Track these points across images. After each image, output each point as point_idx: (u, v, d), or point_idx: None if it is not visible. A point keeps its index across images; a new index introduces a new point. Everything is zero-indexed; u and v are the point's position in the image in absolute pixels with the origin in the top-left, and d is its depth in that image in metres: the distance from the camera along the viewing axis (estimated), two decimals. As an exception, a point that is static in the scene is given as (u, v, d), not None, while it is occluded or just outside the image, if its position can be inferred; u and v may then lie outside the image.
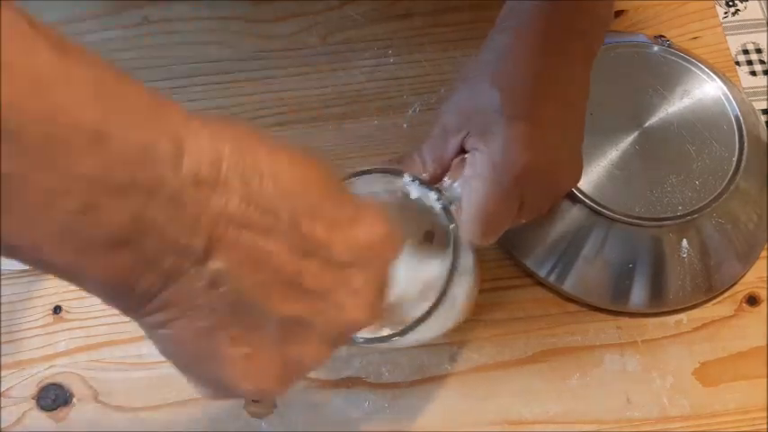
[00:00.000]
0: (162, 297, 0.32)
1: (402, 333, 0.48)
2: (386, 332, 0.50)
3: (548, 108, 0.52)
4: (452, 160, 0.53)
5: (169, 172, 0.30)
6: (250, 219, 0.32)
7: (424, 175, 0.53)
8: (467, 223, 0.51)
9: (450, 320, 0.52)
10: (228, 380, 0.35)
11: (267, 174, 0.33)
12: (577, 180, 0.55)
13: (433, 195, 0.51)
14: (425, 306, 0.49)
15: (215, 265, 0.32)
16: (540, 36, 0.52)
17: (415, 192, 0.52)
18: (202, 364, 0.35)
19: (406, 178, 0.51)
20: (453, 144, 0.52)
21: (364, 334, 0.49)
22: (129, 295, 0.32)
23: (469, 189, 0.51)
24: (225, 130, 0.32)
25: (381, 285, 0.38)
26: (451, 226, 0.50)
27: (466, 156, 0.52)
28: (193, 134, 0.31)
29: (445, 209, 0.50)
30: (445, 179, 0.52)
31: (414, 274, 0.52)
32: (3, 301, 0.62)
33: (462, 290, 0.51)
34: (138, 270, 0.31)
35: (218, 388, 0.37)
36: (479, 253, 0.54)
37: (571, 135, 0.53)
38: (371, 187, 0.53)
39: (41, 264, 0.30)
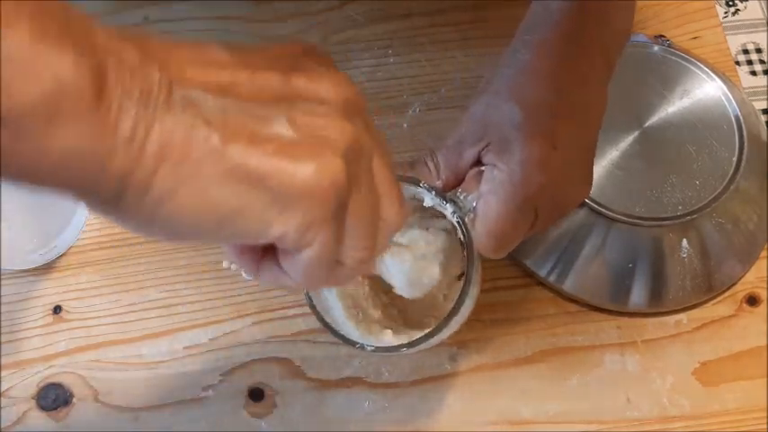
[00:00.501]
0: (151, 145, 0.30)
1: (412, 345, 0.49)
2: (389, 335, 0.51)
3: (568, 127, 0.52)
4: (467, 171, 0.53)
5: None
6: (181, 50, 0.32)
7: (438, 183, 0.53)
8: (480, 237, 0.51)
9: (455, 328, 0.52)
10: (277, 183, 0.32)
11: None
12: (587, 195, 0.55)
13: (449, 208, 0.51)
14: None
15: (178, 92, 0.30)
16: (563, 51, 0.52)
17: (429, 201, 0.52)
18: (241, 193, 0.31)
19: (422, 187, 0.51)
20: (469, 155, 0.52)
21: (374, 342, 0.50)
22: (115, 144, 0.29)
23: (485, 205, 0.51)
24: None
25: (331, 63, 0.37)
26: (466, 240, 0.50)
27: (482, 168, 0.52)
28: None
29: (461, 223, 0.51)
30: (459, 191, 0.52)
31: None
32: (3, 301, 0.62)
33: (471, 297, 0.52)
34: (113, 114, 0.29)
35: (277, 207, 0.32)
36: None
37: (587, 154, 0.53)
38: None
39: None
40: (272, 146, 0.32)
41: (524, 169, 0.50)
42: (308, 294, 0.50)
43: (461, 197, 0.52)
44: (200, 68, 0.32)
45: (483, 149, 0.52)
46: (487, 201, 0.51)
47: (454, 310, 0.49)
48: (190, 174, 0.31)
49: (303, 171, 0.32)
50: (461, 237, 0.51)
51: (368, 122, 0.36)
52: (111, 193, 0.31)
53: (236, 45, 0.34)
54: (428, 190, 0.51)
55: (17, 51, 0.27)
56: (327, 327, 0.50)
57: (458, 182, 0.53)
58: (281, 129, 0.32)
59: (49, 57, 0.27)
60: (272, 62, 0.34)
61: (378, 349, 0.49)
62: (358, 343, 0.50)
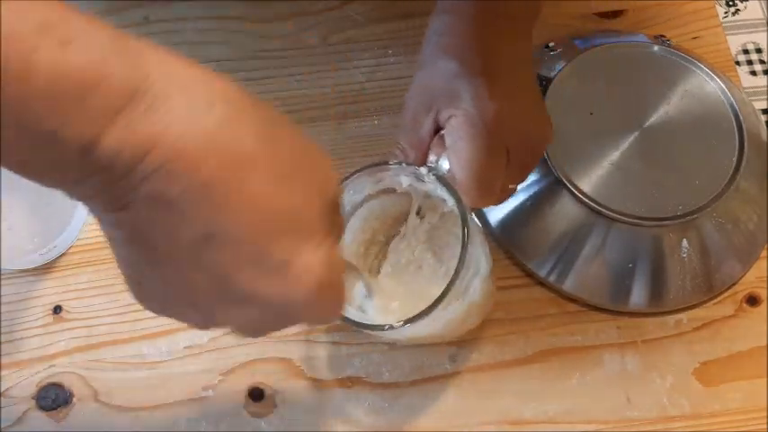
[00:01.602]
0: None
1: (416, 318, 0.49)
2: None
3: (505, 69, 0.53)
4: (431, 141, 0.54)
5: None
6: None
7: (409, 160, 0.54)
8: (463, 187, 0.52)
9: (459, 313, 0.52)
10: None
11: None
12: (550, 135, 0.55)
13: (423, 170, 0.52)
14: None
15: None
16: (477, 9, 0.54)
17: (406, 179, 0.52)
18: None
19: (392, 165, 0.52)
20: (427, 125, 0.54)
21: (382, 320, 0.51)
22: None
23: (455, 153, 0.52)
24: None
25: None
26: (454, 198, 0.51)
27: (442, 132, 0.53)
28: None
29: (440, 179, 0.51)
30: (430, 157, 0.53)
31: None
32: (3, 301, 0.62)
33: (477, 290, 0.52)
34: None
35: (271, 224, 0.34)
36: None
37: (531, 91, 0.55)
38: (362, 191, 0.54)
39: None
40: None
41: (477, 105, 0.51)
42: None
43: (433, 163, 0.53)
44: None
45: (437, 114, 0.53)
46: (456, 149, 0.52)
47: (456, 275, 0.49)
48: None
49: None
50: (448, 196, 0.51)
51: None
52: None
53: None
54: (400, 165, 0.52)
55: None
56: (348, 321, 0.50)
57: (425, 155, 0.54)
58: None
59: None
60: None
61: (406, 321, 0.49)
62: (386, 325, 0.50)
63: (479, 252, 0.52)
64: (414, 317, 0.49)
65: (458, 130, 0.52)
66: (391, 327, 0.49)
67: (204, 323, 0.38)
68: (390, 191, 0.55)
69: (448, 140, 0.52)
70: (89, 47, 0.30)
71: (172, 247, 0.33)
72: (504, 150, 0.52)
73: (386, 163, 0.53)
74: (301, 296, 0.35)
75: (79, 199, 0.33)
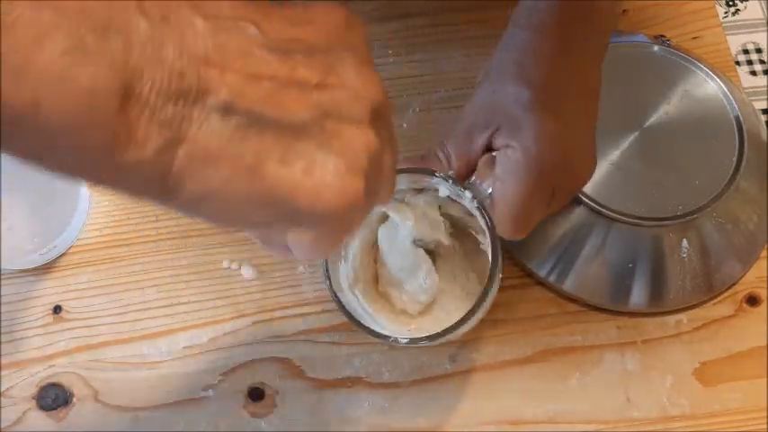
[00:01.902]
0: (184, 152, 0.30)
1: (446, 333, 0.50)
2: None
3: (573, 103, 0.53)
4: (478, 159, 0.53)
5: (134, 15, 0.29)
6: (221, 40, 0.31)
7: (450, 172, 0.53)
8: (501, 219, 0.52)
9: (478, 319, 0.52)
10: (305, 203, 0.32)
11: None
12: (593, 172, 0.55)
13: (467, 194, 0.52)
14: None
15: (214, 98, 0.30)
16: (560, 33, 0.53)
17: (444, 190, 0.52)
18: (272, 201, 0.32)
19: (438, 177, 0.52)
20: (480, 142, 0.53)
21: (407, 335, 0.52)
22: (146, 162, 0.30)
23: (502, 186, 0.51)
24: None
25: (368, 58, 0.36)
26: (489, 225, 0.51)
27: (493, 154, 0.53)
28: None
29: (481, 207, 0.51)
30: (474, 178, 0.53)
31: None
32: (3, 301, 0.62)
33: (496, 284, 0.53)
34: (143, 123, 0.29)
35: (302, 220, 0.33)
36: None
37: (590, 128, 0.54)
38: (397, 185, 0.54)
39: (44, 136, 0.28)
40: (300, 166, 0.32)
41: (539, 145, 0.50)
42: (336, 298, 0.50)
43: (477, 183, 0.52)
44: (241, 75, 0.31)
45: (493, 134, 0.52)
46: (504, 181, 0.51)
47: (485, 293, 0.50)
48: (218, 187, 0.31)
49: (327, 196, 0.33)
50: (483, 222, 0.51)
51: (388, 124, 0.36)
52: (147, 192, 0.32)
53: (279, 17, 0.33)
54: (444, 179, 0.52)
55: (50, 65, 0.27)
56: (359, 325, 0.50)
57: (470, 171, 0.53)
58: (311, 143, 0.32)
59: (80, 72, 0.28)
60: (312, 54, 0.33)
61: (412, 341, 0.50)
62: (391, 336, 0.50)
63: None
64: (433, 335, 0.50)
65: (511, 164, 0.51)
66: (396, 340, 0.51)
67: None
68: (421, 191, 0.55)
69: (498, 169, 0.52)
70: None
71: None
72: (550, 191, 0.52)
73: (432, 173, 0.52)
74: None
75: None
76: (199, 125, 0.30)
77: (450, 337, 0.51)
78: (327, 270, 0.51)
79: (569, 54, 0.53)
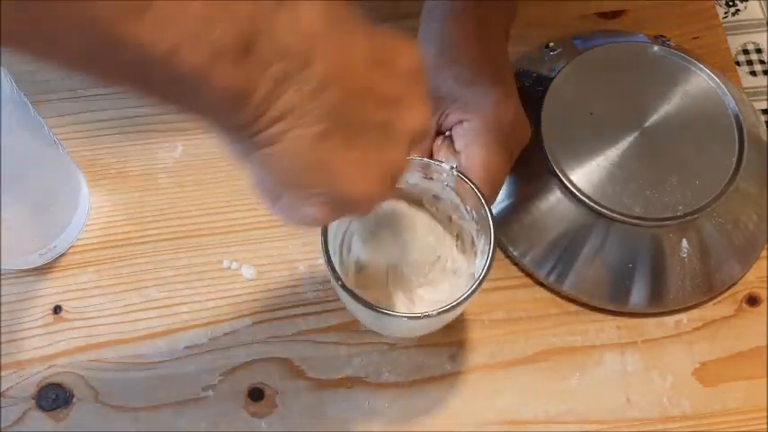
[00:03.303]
0: (278, 106, 0.35)
1: (451, 308, 0.50)
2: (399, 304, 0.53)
3: (501, 73, 0.57)
4: (433, 143, 0.57)
5: None
6: (332, 28, 0.36)
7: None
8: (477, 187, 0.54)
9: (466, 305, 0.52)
10: (343, 185, 0.39)
11: None
12: (530, 131, 0.58)
13: (445, 167, 0.53)
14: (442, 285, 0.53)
15: (317, 69, 0.35)
16: (470, 14, 0.58)
17: (414, 174, 0.54)
18: (316, 173, 0.38)
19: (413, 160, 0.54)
20: (432, 128, 0.57)
21: (404, 311, 0.52)
22: (247, 105, 0.34)
23: (468, 156, 0.55)
24: None
25: (425, 95, 0.42)
26: (478, 196, 0.52)
27: (446, 135, 0.57)
28: None
29: (463, 177, 0.53)
30: (435, 161, 0.55)
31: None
32: (3, 301, 0.62)
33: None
34: (255, 75, 0.34)
35: (329, 199, 0.39)
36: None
37: (516, 94, 0.58)
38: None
39: (169, 75, 0.32)
40: (353, 156, 0.38)
41: (492, 108, 0.55)
42: (342, 287, 0.50)
43: (441, 164, 0.54)
44: (341, 64, 0.36)
45: (440, 119, 0.56)
46: (470, 151, 0.55)
47: (485, 274, 0.50)
48: (290, 141, 0.36)
49: (360, 187, 0.39)
50: (472, 189, 0.52)
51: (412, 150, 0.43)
52: (235, 126, 0.36)
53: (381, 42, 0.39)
54: (419, 159, 0.54)
55: (191, 19, 0.31)
56: (370, 306, 0.50)
57: (428, 157, 0.57)
58: (367, 141, 0.39)
59: (213, 27, 0.32)
60: (394, 78, 0.39)
61: (412, 317, 0.51)
62: (421, 314, 0.50)
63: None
64: (447, 307, 0.50)
65: (472, 133, 0.55)
66: (427, 315, 0.50)
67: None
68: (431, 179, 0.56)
69: (459, 143, 0.55)
70: None
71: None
72: (510, 151, 0.56)
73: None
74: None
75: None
76: (296, 87, 0.35)
77: (457, 311, 0.51)
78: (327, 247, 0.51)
79: (482, 32, 0.57)
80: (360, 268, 0.55)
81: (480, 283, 0.50)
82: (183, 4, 0.31)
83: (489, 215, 0.52)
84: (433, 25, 0.58)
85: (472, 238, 0.55)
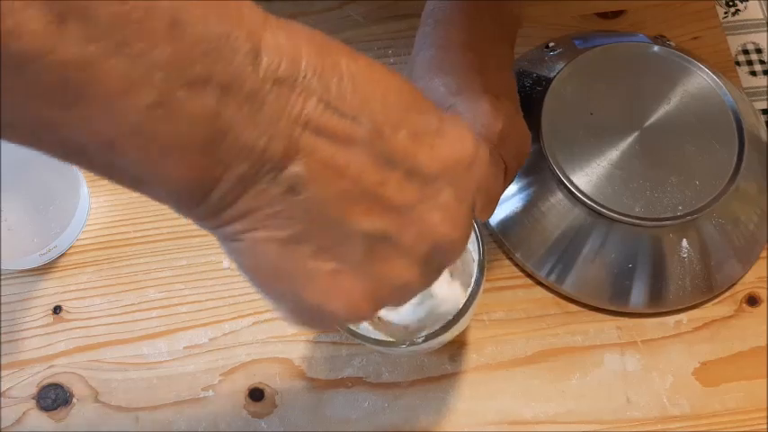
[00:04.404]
0: (239, 205, 0.31)
1: (441, 332, 0.49)
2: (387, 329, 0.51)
3: (497, 80, 0.54)
4: None
5: (247, 67, 0.29)
6: (329, 122, 0.31)
7: None
8: None
9: (469, 319, 0.52)
10: (312, 298, 0.33)
11: (347, 76, 0.31)
12: (530, 141, 0.56)
13: None
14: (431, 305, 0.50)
15: (293, 170, 0.30)
16: (469, 20, 0.55)
17: None
18: (284, 280, 0.33)
19: None
20: None
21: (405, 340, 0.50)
22: (204, 202, 0.31)
23: None
24: (302, 31, 0.31)
25: (471, 203, 0.36)
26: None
27: None
28: (271, 31, 0.30)
29: None
30: None
31: None
32: (3, 301, 0.62)
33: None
34: (213, 174, 0.30)
35: (302, 310, 0.34)
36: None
37: (515, 101, 0.55)
38: None
39: (112, 166, 0.29)
40: (330, 267, 0.33)
41: (482, 121, 0.51)
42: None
43: None
44: (326, 163, 0.31)
45: None
46: None
47: (476, 293, 0.49)
48: (252, 243, 0.32)
49: (333, 306, 0.34)
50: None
51: (441, 266, 0.37)
52: (195, 217, 0.32)
53: (411, 122, 0.33)
54: None
55: (130, 118, 0.28)
56: (355, 335, 0.50)
57: None
58: (353, 253, 0.33)
59: (160, 128, 0.28)
60: (412, 176, 0.33)
61: (411, 342, 0.49)
62: (404, 342, 0.50)
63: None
64: (434, 332, 0.49)
65: None
66: (413, 342, 0.49)
67: (417, 276, 0.35)
68: None
69: None
70: None
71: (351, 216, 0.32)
72: (503, 163, 0.53)
73: None
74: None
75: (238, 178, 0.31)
76: (264, 187, 0.31)
77: (454, 331, 0.50)
78: None
79: (478, 39, 0.54)
80: None
81: (464, 312, 0.49)
82: (124, 89, 0.27)
83: (478, 235, 0.50)
84: (427, 29, 0.56)
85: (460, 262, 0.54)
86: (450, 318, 0.49)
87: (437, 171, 0.34)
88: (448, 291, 0.51)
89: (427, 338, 0.49)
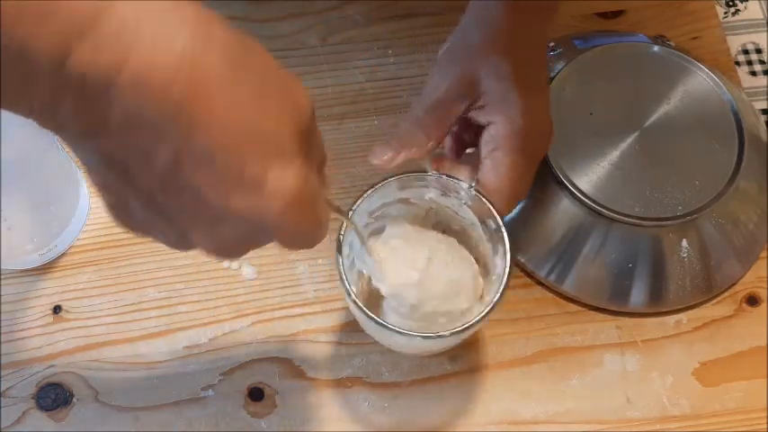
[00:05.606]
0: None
1: (466, 329, 0.50)
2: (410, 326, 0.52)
3: (541, 74, 0.55)
4: (452, 126, 0.54)
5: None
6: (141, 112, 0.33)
7: (431, 144, 0.54)
8: (494, 194, 0.52)
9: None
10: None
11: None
12: (551, 140, 0.57)
13: (464, 185, 0.53)
14: (455, 303, 0.52)
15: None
16: (521, 12, 0.54)
17: (431, 190, 0.54)
18: None
19: (430, 176, 0.53)
20: (457, 111, 0.54)
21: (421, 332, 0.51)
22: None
23: (493, 162, 0.52)
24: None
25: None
26: (495, 217, 0.52)
27: (468, 151, 0.55)
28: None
29: (479, 193, 0.52)
30: (462, 181, 0.53)
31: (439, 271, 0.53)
32: (3, 301, 0.62)
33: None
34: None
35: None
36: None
37: (548, 97, 0.56)
38: (387, 196, 0.54)
39: None
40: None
41: (526, 118, 0.52)
42: (360, 308, 0.50)
43: (459, 182, 0.53)
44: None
45: (470, 106, 0.53)
46: (495, 157, 0.52)
47: (503, 291, 0.50)
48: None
49: None
50: (487, 204, 0.52)
51: None
52: None
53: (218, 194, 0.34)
54: (436, 176, 0.53)
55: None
56: (385, 327, 0.50)
57: (443, 137, 0.54)
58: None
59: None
60: (173, 224, 0.37)
61: (424, 337, 0.50)
62: (432, 334, 0.50)
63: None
64: (462, 328, 0.50)
65: (500, 139, 0.52)
66: (440, 336, 0.50)
67: (181, 244, 0.38)
68: (406, 201, 0.55)
69: (484, 149, 0.53)
70: None
71: (146, 168, 0.34)
72: (536, 161, 0.54)
73: (424, 172, 0.53)
74: (274, 210, 0.35)
75: (53, 129, 0.33)
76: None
77: (474, 328, 0.51)
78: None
79: (534, 25, 0.55)
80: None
81: (493, 308, 0.50)
82: None
83: (505, 236, 0.51)
84: (491, 5, 0.54)
85: (486, 261, 0.54)
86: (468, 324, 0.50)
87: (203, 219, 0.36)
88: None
89: (453, 332, 0.50)
